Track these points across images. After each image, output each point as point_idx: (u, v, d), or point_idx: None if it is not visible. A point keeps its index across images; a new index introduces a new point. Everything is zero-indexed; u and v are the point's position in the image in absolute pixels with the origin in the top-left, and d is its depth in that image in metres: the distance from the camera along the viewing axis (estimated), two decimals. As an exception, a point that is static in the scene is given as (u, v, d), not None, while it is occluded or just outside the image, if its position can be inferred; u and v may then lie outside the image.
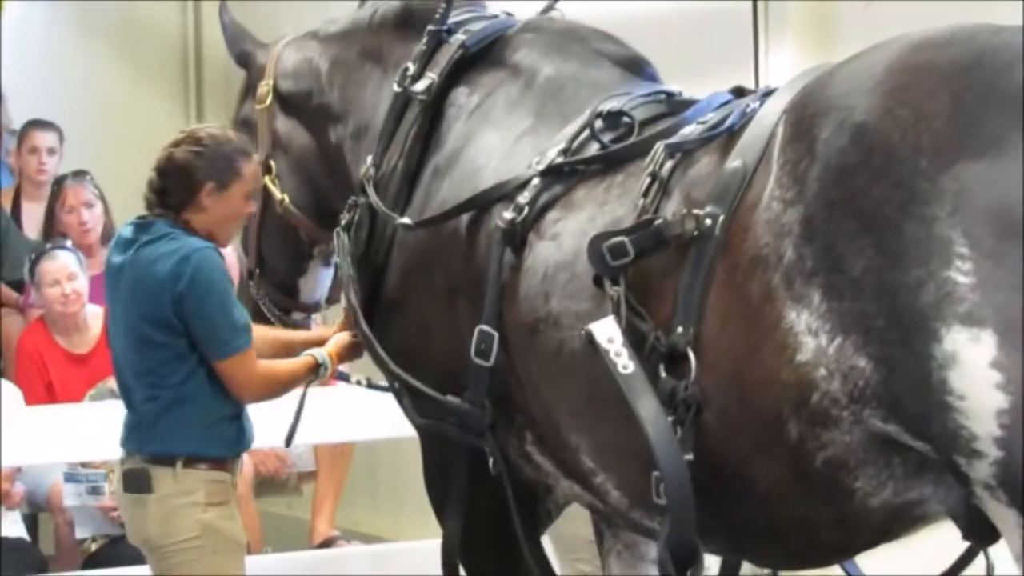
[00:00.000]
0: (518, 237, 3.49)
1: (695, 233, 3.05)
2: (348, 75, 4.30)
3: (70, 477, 6.13)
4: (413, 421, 3.83)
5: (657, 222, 3.13)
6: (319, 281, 4.52)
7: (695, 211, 3.07)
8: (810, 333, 2.82)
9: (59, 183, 7.48)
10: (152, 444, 4.19)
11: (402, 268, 3.89)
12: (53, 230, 7.38)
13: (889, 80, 2.82)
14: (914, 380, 2.68)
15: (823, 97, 2.93)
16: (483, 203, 3.63)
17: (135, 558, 6.01)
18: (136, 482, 4.20)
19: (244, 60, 4.61)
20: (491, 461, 3.62)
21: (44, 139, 7.84)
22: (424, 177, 3.92)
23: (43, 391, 6.75)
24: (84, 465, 6.13)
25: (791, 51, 6.01)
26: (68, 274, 6.69)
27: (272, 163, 4.41)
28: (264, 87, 4.44)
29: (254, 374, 4.17)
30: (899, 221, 2.69)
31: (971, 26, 2.89)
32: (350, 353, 4.25)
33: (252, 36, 4.65)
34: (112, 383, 6.22)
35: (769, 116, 3.08)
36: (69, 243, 6.96)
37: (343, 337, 4.23)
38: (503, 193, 3.58)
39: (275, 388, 4.25)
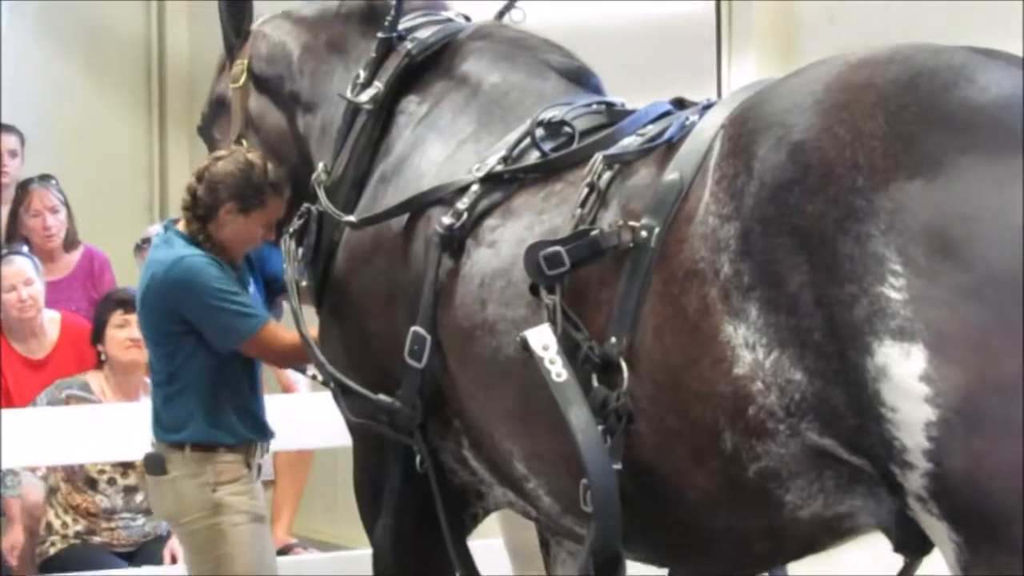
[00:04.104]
0: (456, 242, 3.50)
1: (631, 244, 3.05)
2: (317, 65, 4.33)
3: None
4: (348, 421, 3.86)
5: (593, 233, 3.13)
6: None
7: (631, 223, 3.07)
8: (747, 347, 2.83)
9: (24, 186, 7.45)
10: (162, 432, 4.50)
11: (345, 270, 3.91)
12: (16, 233, 7.33)
13: (828, 98, 2.82)
14: (850, 393, 2.69)
15: (762, 113, 2.92)
16: (421, 205, 3.66)
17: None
18: (153, 465, 4.51)
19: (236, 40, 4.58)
20: (418, 459, 3.65)
21: (5, 142, 7.79)
22: (371, 183, 3.94)
23: (-1, 396, 6.73)
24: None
25: (754, 63, 6.01)
26: (24, 279, 6.66)
27: (244, 143, 4.48)
28: (239, 66, 4.47)
29: (279, 343, 4.38)
30: (834, 238, 2.69)
31: (911, 46, 2.89)
32: None
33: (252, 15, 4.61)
34: (66, 390, 6.21)
35: (707, 130, 3.07)
36: (25, 248, 6.93)
37: None
38: (441, 197, 3.61)
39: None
